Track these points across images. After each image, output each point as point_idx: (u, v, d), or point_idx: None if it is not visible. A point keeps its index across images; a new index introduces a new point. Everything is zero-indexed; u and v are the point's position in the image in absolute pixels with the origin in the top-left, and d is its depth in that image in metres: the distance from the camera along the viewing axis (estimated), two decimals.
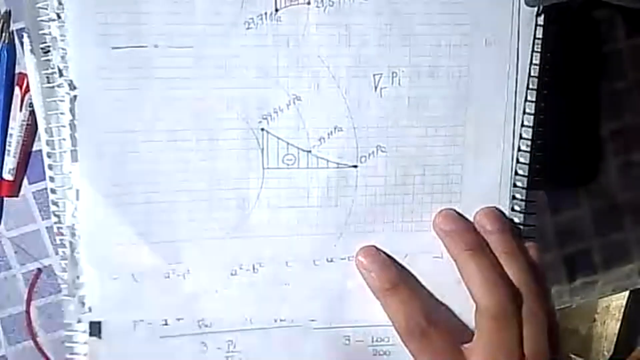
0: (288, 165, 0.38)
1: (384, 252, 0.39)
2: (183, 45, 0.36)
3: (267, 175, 0.38)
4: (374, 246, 0.39)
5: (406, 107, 0.38)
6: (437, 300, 0.40)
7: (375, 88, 0.38)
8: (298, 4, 0.36)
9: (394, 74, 0.38)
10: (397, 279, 0.38)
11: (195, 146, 0.37)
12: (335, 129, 0.38)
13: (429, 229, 0.39)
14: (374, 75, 0.37)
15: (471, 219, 0.39)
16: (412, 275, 0.40)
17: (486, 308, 0.36)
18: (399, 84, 0.38)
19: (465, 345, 0.37)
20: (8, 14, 0.43)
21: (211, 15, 0.36)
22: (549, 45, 0.38)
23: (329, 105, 0.37)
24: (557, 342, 0.38)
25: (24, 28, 0.42)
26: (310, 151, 0.38)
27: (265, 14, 0.36)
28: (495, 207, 0.39)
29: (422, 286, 0.40)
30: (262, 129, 0.37)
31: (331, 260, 0.39)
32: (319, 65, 0.37)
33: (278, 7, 0.36)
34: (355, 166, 0.38)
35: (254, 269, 0.39)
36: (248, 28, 0.36)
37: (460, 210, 0.39)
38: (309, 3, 0.36)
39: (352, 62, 0.37)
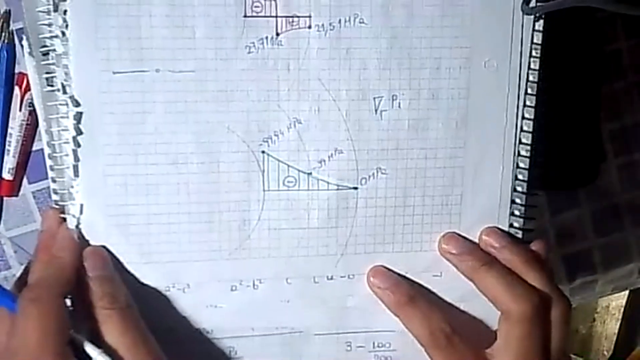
0: (288, 187, 0.38)
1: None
2: (184, 69, 0.36)
3: (268, 197, 0.38)
4: (383, 266, 0.40)
5: (406, 130, 0.38)
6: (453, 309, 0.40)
7: (376, 111, 0.38)
8: (299, 28, 0.36)
9: (394, 97, 0.38)
10: (413, 292, 0.39)
11: (196, 169, 0.37)
12: (335, 151, 0.38)
13: (429, 249, 0.40)
14: (374, 98, 0.38)
15: (471, 239, 0.39)
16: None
17: (515, 313, 0.36)
18: (399, 106, 0.38)
19: (488, 350, 0.38)
20: (8, 13, 0.43)
21: (212, 39, 0.36)
22: (548, 46, 0.38)
23: (330, 128, 0.38)
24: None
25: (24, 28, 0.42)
26: (310, 173, 0.38)
27: (266, 38, 0.36)
28: (496, 226, 0.39)
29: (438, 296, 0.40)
30: (263, 152, 0.37)
31: (331, 278, 0.40)
32: (319, 89, 0.37)
33: (279, 31, 0.36)
34: (356, 188, 0.39)
35: (254, 285, 0.39)
36: (249, 52, 0.36)
37: (460, 231, 0.39)
38: (309, 27, 0.36)
39: (353, 86, 0.37)
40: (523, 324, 0.36)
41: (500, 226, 0.39)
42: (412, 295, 0.38)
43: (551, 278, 0.38)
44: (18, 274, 0.46)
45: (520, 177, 0.39)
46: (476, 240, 0.40)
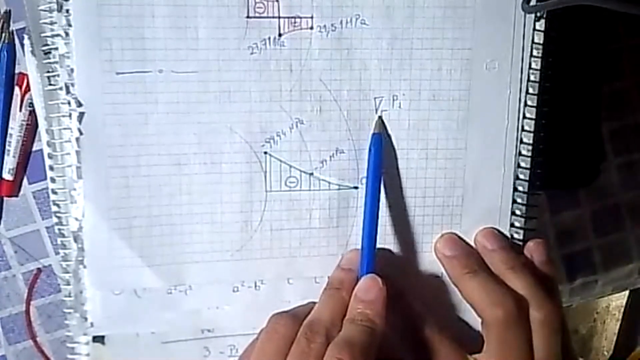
0: (290, 187, 0.38)
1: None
2: (187, 70, 0.36)
3: (270, 198, 0.38)
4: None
5: (407, 130, 0.38)
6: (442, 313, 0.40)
7: (376, 111, 0.38)
8: (301, 29, 0.37)
9: (395, 97, 0.38)
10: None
11: (198, 170, 0.37)
12: (337, 151, 0.38)
13: (429, 250, 0.40)
14: (375, 98, 0.38)
15: (471, 240, 0.39)
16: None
17: (491, 319, 0.36)
18: (400, 107, 0.38)
19: (475, 356, 0.38)
20: (8, 13, 0.44)
21: (215, 40, 0.36)
22: (549, 46, 0.38)
23: (331, 128, 0.38)
24: (570, 346, 0.39)
25: (24, 28, 0.42)
26: (312, 174, 0.38)
27: (269, 39, 0.36)
28: (494, 227, 0.40)
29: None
30: (265, 152, 0.38)
31: None
32: (321, 89, 0.37)
33: (281, 32, 0.36)
34: (356, 187, 0.39)
35: (255, 286, 0.39)
36: (252, 53, 0.36)
37: (460, 232, 0.39)
38: (311, 28, 0.37)
39: (354, 86, 0.38)
40: (498, 329, 0.36)
41: (501, 226, 0.39)
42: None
43: (535, 282, 0.37)
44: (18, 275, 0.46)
45: (521, 176, 0.39)
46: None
